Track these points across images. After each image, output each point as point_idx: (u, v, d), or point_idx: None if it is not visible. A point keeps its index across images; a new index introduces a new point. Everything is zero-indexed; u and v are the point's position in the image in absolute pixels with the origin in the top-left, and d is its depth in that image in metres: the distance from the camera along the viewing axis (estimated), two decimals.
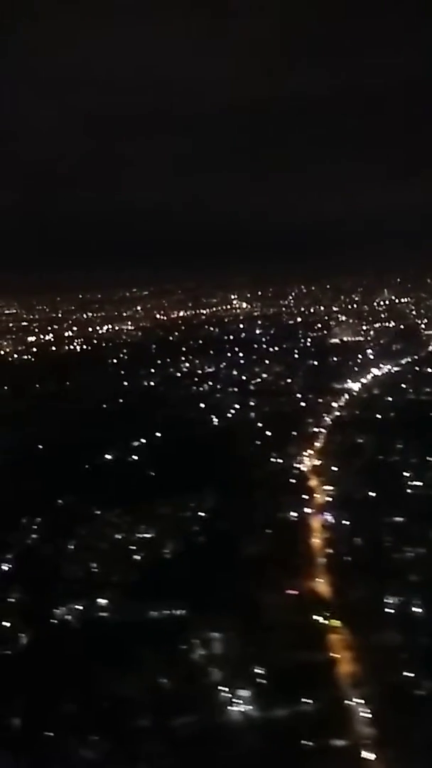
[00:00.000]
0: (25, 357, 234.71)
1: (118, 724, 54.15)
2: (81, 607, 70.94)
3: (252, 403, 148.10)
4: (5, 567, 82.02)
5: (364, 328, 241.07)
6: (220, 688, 57.53)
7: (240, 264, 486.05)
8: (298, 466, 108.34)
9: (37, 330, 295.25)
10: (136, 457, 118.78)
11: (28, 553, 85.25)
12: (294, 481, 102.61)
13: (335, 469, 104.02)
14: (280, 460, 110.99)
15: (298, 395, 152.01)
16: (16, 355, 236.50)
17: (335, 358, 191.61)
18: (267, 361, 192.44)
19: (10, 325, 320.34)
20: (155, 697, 57.07)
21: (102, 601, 71.69)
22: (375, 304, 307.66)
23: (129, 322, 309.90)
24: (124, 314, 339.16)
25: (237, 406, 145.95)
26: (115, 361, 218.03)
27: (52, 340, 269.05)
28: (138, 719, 54.55)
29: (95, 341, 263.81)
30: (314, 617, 65.98)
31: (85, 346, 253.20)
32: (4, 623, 69.36)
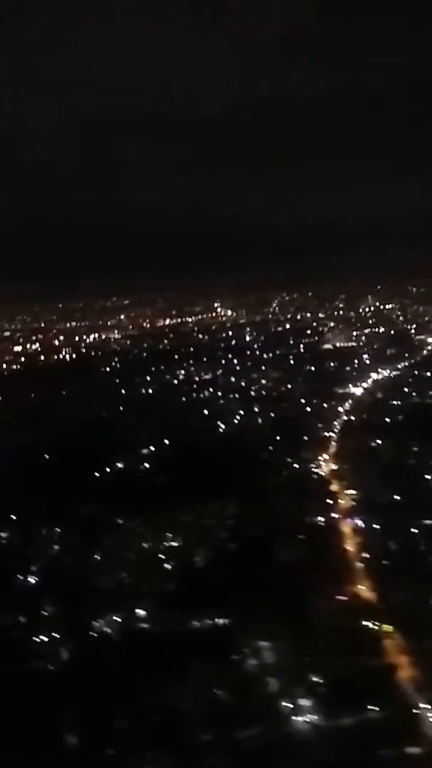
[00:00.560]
0: (14, 366, 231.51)
1: (178, 738, 51.96)
2: (119, 619, 68.38)
3: (256, 409, 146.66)
4: (32, 579, 79.38)
5: (356, 333, 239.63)
6: (279, 698, 55.36)
7: (219, 272, 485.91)
8: (316, 470, 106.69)
9: (21, 340, 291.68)
10: (147, 465, 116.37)
11: (53, 565, 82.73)
12: (315, 485, 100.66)
13: (354, 473, 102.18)
14: (297, 465, 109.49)
15: (302, 400, 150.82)
16: (4, 365, 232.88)
17: (332, 364, 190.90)
18: (263, 368, 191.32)
19: None
20: (213, 710, 54.97)
21: (140, 612, 69.39)
22: (360, 310, 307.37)
23: (116, 331, 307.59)
24: (109, 323, 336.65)
25: (241, 412, 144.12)
26: (107, 369, 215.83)
27: (39, 349, 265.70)
28: (198, 733, 52.46)
29: (84, 350, 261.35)
30: (364, 623, 64.10)
31: (74, 355, 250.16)
32: (41, 637, 66.54)
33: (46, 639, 66.62)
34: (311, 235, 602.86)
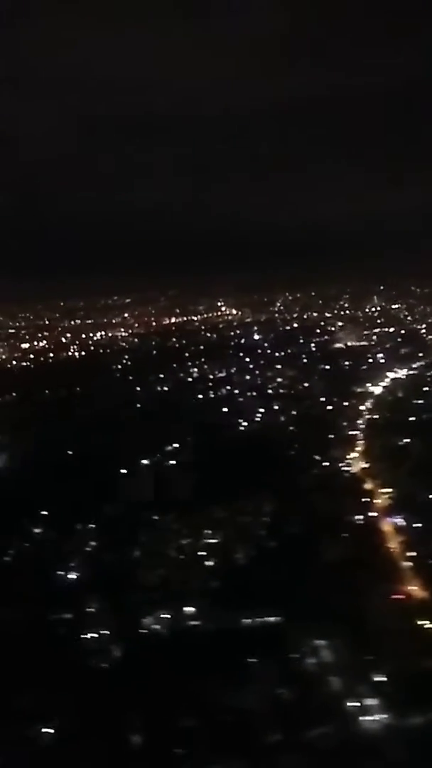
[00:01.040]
0: (24, 363, 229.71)
1: (249, 739, 50.94)
2: (169, 616, 67.28)
3: (276, 407, 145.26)
4: (72, 576, 78.22)
5: (366, 333, 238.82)
6: (345, 697, 54.46)
7: (219, 272, 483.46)
8: (347, 468, 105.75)
9: (27, 337, 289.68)
10: (173, 462, 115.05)
11: (92, 561, 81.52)
12: (349, 484, 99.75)
13: (387, 471, 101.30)
14: (326, 463, 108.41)
15: (322, 399, 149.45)
16: (14, 362, 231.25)
17: (346, 362, 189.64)
18: (278, 366, 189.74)
19: None
20: (279, 710, 53.88)
21: (189, 610, 68.22)
22: (367, 310, 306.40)
23: (122, 329, 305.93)
24: (114, 321, 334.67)
25: (262, 410, 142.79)
26: (119, 366, 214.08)
27: (47, 346, 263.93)
28: (268, 733, 51.40)
29: (92, 348, 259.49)
30: (419, 621, 63.25)
31: (82, 353, 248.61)
32: (90, 635, 65.42)
33: (96, 636, 65.06)
34: (311, 236, 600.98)
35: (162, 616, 67.71)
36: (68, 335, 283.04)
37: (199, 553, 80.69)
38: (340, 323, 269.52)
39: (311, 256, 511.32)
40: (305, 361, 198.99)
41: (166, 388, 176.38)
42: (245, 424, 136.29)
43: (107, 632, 65.67)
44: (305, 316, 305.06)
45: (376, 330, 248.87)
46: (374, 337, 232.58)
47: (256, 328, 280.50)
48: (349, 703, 54.36)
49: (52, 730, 52.85)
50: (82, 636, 65.85)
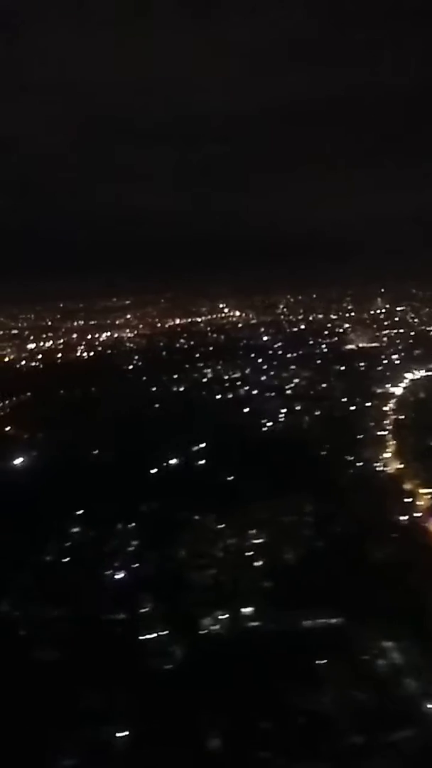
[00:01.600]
0: (33, 364, 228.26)
1: (330, 742, 49.87)
2: (227, 616, 66.10)
3: (298, 408, 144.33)
4: (119, 575, 76.93)
5: (376, 335, 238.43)
6: (422, 699, 53.46)
7: (217, 274, 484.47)
8: (381, 468, 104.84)
9: (32, 338, 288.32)
10: (203, 462, 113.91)
11: (138, 561, 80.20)
12: (386, 484, 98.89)
13: (424, 471, 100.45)
14: (359, 463, 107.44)
15: (343, 399, 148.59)
16: (23, 362, 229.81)
17: (361, 364, 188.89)
18: (292, 367, 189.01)
19: (1, 333, 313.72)
20: (357, 712, 52.78)
21: (246, 610, 67.08)
22: (373, 312, 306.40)
23: (127, 330, 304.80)
24: (117, 322, 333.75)
25: (284, 411, 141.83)
26: (130, 367, 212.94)
27: (53, 347, 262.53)
28: (349, 736, 50.32)
29: (99, 348, 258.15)
30: None
31: (91, 353, 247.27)
32: (148, 635, 64.19)
33: (154, 636, 63.83)
34: (308, 238, 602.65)
35: (220, 616, 66.07)
36: (74, 336, 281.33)
37: (247, 554, 79.08)
38: (347, 325, 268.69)
39: (309, 258, 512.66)
40: (319, 362, 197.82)
41: (182, 389, 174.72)
42: (269, 424, 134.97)
43: (166, 633, 63.88)
44: (311, 318, 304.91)
45: (385, 332, 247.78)
46: (385, 339, 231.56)
47: (262, 329, 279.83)
48: (429, 705, 52.92)
49: (126, 733, 51.16)
50: (140, 637, 63.99)
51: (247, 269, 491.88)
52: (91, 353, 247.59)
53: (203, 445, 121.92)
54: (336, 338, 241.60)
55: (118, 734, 51.27)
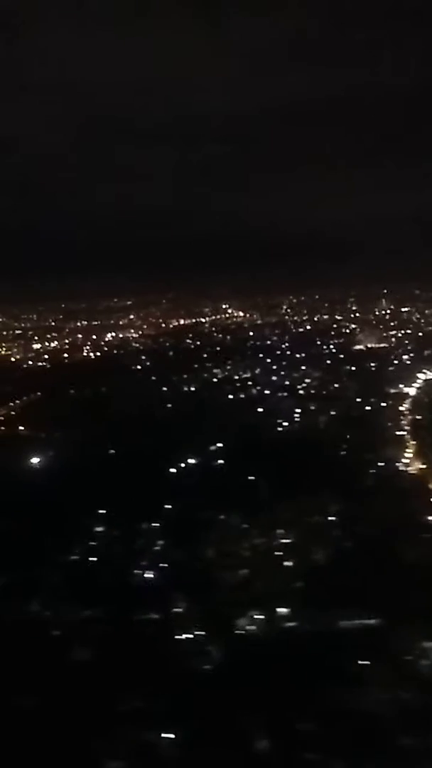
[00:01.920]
0: (40, 363, 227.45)
1: (380, 743, 49.11)
2: (263, 617, 65.35)
3: (312, 408, 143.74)
4: (149, 575, 76.11)
5: (383, 335, 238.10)
6: None
7: (217, 275, 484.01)
8: (404, 468, 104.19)
9: (36, 338, 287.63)
10: (221, 462, 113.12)
11: (165, 561, 79.38)
12: (411, 484, 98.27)
13: None
14: (381, 463, 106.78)
15: (357, 399, 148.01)
16: (30, 362, 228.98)
17: (372, 364, 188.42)
18: (302, 367, 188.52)
19: (4, 333, 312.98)
20: (402, 712, 52.06)
21: (282, 611, 66.30)
22: (377, 313, 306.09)
23: (131, 330, 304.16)
24: (121, 323, 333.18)
25: (299, 410, 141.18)
26: (138, 367, 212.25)
27: (58, 347, 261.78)
28: (399, 738, 49.57)
29: (105, 348, 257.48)
30: None
31: (97, 353, 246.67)
32: (185, 635, 63.40)
33: (190, 636, 63.06)
34: (310, 239, 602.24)
35: (255, 617, 65.32)
36: (79, 336, 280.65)
37: (276, 553, 78.35)
38: (353, 326, 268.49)
39: (309, 259, 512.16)
40: (329, 362, 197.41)
41: (193, 388, 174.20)
42: (285, 424, 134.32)
43: (202, 633, 63.11)
44: (316, 319, 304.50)
45: (392, 332, 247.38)
46: (393, 339, 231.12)
47: (268, 330, 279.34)
48: None
49: (172, 735, 50.41)
50: (176, 637, 63.20)
51: (248, 270, 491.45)
52: (98, 353, 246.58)
53: (220, 445, 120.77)
54: (343, 339, 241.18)
55: (163, 735, 50.16)
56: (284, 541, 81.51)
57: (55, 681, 57.38)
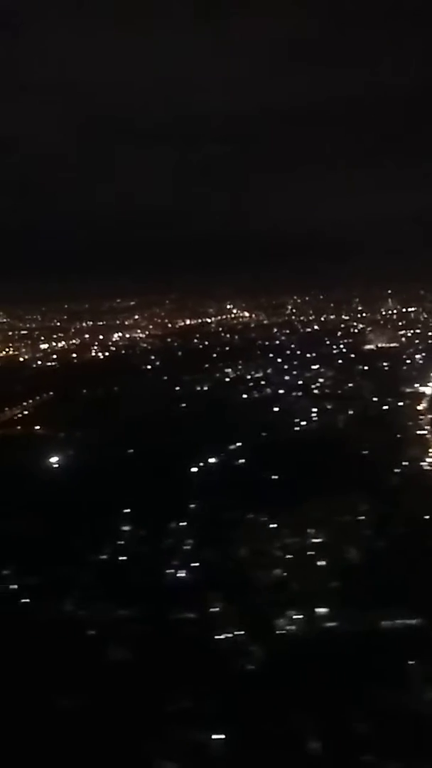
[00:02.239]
0: (49, 364, 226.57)
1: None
2: (301, 617, 64.55)
3: (329, 407, 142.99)
4: (181, 574, 75.34)
5: (393, 335, 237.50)
6: None
7: (218, 275, 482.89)
8: (429, 468, 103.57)
9: (43, 338, 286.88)
10: (242, 461, 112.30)
11: (195, 560, 78.61)
12: None
13: None
14: (405, 462, 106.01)
15: (374, 399, 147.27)
16: (39, 362, 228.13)
17: (384, 363, 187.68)
18: (314, 367, 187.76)
19: (10, 333, 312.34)
20: None
21: (320, 611, 65.48)
22: (384, 313, 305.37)
23: (138, 330, 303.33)
24: (126, 323, 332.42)
25: (315, 410, 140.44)
26: (148, 367, 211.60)
27: (65, 347, 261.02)
28: None
29: (113, 349, 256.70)
30: None
31: (105, 353, 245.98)
32: (224, 635, 62.61)
33: (230, 636, 62.23)
34: (310, 239, 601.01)
35: (294, 617, 64.52)
36: (86, 336, 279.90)
37: (309, 553, 77.57)
38: (361, 325, 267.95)
39: (310, 259, 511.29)
40: (340, 362, 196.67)
41: (205, 388, 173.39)
42: (303, 423, 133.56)
43: (242, 633, 62.30)
44: (323, 319, 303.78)
45: (401, 332, 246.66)
46: (403, 339, 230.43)
47: (275, 330, 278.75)
48: None
49: (223, 736, 49.61)
50: (216, 636, 62.39)
51: (249, 270, 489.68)
52: (106, 353, 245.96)
53: (238, 444, 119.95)
54: (353, 339, 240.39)
55: (214, 736, 49.35)
56: (316, 540, 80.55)
57: (97, 681, 56.48)
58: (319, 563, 76.20)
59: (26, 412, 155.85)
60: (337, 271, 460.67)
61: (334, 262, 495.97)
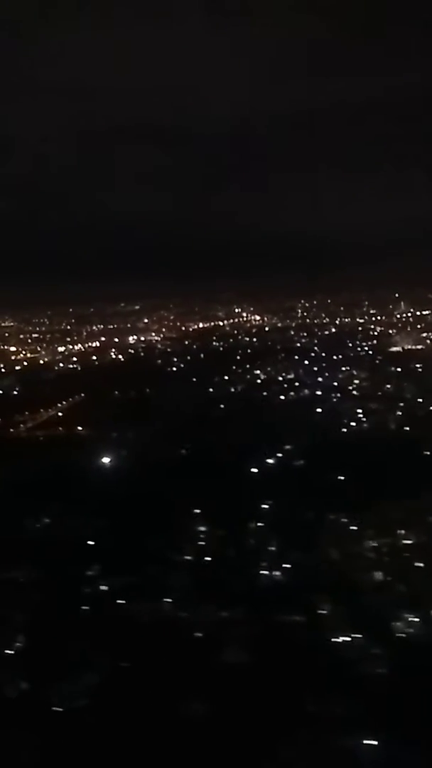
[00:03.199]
0: (70, 366, 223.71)
1: None
2: (417, 619, 62.24)
3: (374, 407, 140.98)
4: (276, 575, 73.23)
5: (419, 336, 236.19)
6: None
7: (222, 277, 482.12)
8: None
9: (56, 341, 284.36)
10: (302, 462, 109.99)
11: (285, 561, 76.32)
12: None
13: None
14: None
15: (419, 400, 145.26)
16: (60, 364, 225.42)
17: (417, 365, 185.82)
18: (344, 368, 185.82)
19: (21, 336, 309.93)
20: None
21: None
22: (399, 316, 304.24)
23: (152, 333, 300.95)
24: (138, 326, 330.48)
25: (360, 411, 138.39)
26: (173, 369, 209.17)
27: (84, 350, 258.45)
28: None
29: (131, 351, 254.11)
30: None
31: (124, 356, 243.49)
32: (341, 638, 60.28)
33: (347, 639, 59.88)
34: (310, 243, 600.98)
35: (410, 619, 62.21)
36: (102, 339, 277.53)
37: (404, 554, 75.25)
38: (379, 328, 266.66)
39: (311, 263, 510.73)
40: (370, 363, 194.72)
41: (239, 389, 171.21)
42: (352, 424, 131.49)
43: (359, 636, 59.95)
44: (337, 321, 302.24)
45: (423, 334, 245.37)
46: (428, 341, 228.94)
47: (292, 332, 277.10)
48: None
49: (374, 741, 47.26)
50: (332, 639, 60.03)
51: (252, 274, 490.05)
52: (125, 356, 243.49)
53: (290, 445, 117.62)
54: (375, 341, 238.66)
55: (365, 741, 47.00)
56: (406, 541, 78.12)
57: (218, 684, 54.11)
58: (416, 564, 73.74)
59: (62, 414, 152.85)
60: (339, 275, 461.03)
61: (335, 267, 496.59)
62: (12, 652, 60.81)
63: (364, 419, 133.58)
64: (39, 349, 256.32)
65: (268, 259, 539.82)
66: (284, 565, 75.19)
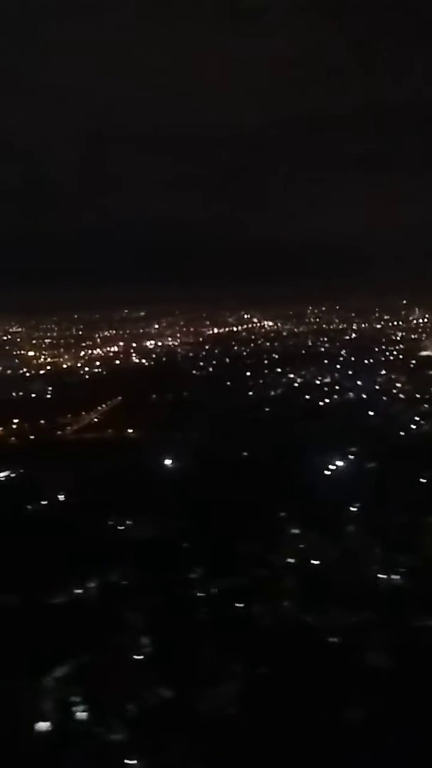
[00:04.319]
0: (96, 370, 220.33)
1: None
2: None
3: (425, 408, 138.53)
4: (395, 579, 70.43)
5: None
6: None
7: (225, 284, 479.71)
8: None
9: (72, 347, 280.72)
10: (373, 464, 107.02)
11: (400, 566, 73.28)
12: None
13: None
14: None
15: None
16: (86, 368, 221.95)
17: None
18: (382, 372, 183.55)
19: (33, 342, 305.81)
20: None
21: None
22: (417, 320, 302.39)
23: (168, 338, 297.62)
24: (152, 331, 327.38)
25: (416, 414, 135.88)
26: (200, 373, 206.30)
27: (105, 354, 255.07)
28: None
29: (153, 355, 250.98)
30: None
31: (148, 360, 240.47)
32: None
33: None
34: (313, 248, 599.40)
35: None
36: (120, 344, 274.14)
37: None
38: (400, 333, 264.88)
39: (312, 268, 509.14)
40: (404, 367, 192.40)
41: (279, 392, 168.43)
42: (413, 426, 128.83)
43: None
44: (354, 326, 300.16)
45: None
46: None
47: (310, 337, 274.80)
48: None
49: None
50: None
51: (255, 280, 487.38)
52: (149, 360, 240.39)
53: (355, 448, 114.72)
54: (402, 345, 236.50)
55: None
56: None
57: (371, 689, 51.00)
58: None
59: (103, 417, 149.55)
60: (345, 281, 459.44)
61: (338, 273, 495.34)
62: (141, 657, 57.13)
63: (423, 422, 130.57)
64: (56, 354, 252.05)
65: (268, 266, 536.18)
66: (400, 569, 71.60)
